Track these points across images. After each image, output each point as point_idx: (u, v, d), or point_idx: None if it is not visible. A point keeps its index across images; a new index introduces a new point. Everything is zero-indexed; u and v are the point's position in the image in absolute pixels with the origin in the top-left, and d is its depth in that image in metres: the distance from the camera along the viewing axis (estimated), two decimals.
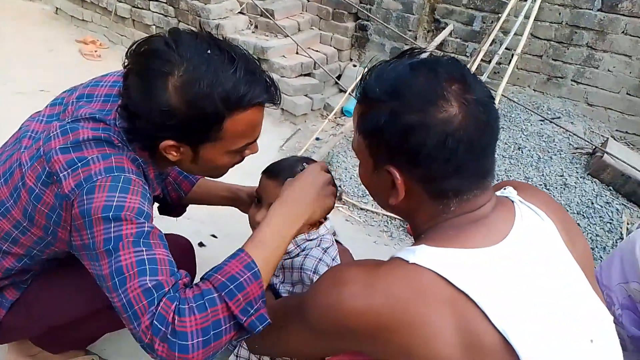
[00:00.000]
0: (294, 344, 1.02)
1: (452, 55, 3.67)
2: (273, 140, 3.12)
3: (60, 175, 0.98)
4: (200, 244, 2.09)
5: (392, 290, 0.82)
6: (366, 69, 0.93)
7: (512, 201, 0.93)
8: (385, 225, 2.46)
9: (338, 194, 1.21)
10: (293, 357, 1.32)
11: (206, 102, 0.96)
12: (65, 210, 0.99)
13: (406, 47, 3.81)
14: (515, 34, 2.95)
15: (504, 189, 0.97)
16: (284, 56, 3.48)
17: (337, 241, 1.45)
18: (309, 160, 1.35)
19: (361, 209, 2.55)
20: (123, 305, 0.89)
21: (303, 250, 1.32)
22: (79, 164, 0.98)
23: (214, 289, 0.90)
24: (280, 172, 1.30)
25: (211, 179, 1.52)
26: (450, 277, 0.80)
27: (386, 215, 2.50)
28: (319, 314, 0.90)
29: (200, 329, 0.86)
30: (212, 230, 2.15)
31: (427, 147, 0.81)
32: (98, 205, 0.94)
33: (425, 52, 0.96)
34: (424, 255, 0.84)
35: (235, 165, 1.18)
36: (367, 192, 2.72)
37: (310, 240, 1.33)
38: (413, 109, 0.82)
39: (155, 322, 0.85)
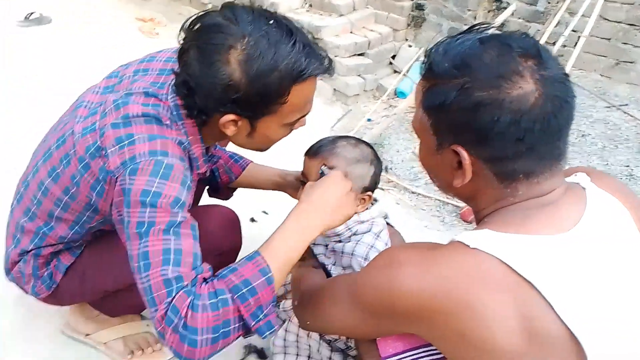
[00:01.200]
0: (345, 323, 1.01)
1: None
2: (324, 120, 3.10)
3: (108, 151, 1.02)
4: (252, 220, 2.12)
5: (449, 273, 0.81)
6: (430, 45, 0.89)
7: (584, 188, 0.88)
8: (437, 210, 2.42)
9: (383, 167, 1.20)
10: (344, 335, 1.33)
11: (269, 75, 0.97)
12: (108, 184, 1.04)
13: (464, 27, 3.67)
14: (582, 15, 2.79)
15: (575, 175, 0.92)
16: (337, 35, 3.43)
17: (388, 224, 1.44)
18: (349, 139, 1.33)
19: (412, 192, 2.51)
20: (144, 289, 0.94)
21: (354, 234, 1.31)
22: (126, 142, 1.01)
23: (227, 291, 0.92)
24: (319, 150, 1.29)
25: (260, 165, 1.56)
26: (514, 264, 0.77)
27: (438, 200, 2.45)
28: (372, 294, 0.90)
29: (211, 327, 0.89)
30: (264, 207, 2.17)
31: (500, 125, 0.78)
32: (138, 188, 0.97)
33: (492, 27, 0.91)
34: (487, 240, 0.81)
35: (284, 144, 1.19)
36: (419, 176, 2.69)
37: (362, 222, 1.31)
38: (485, 84, 0.78)
39: (170, 313, 0.89)
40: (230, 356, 1.54)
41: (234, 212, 1.51)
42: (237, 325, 0.93)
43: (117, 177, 1.00)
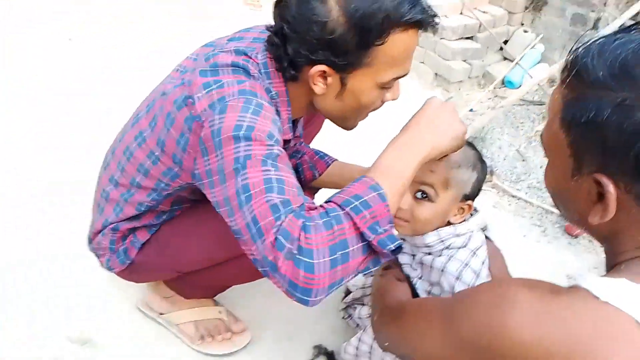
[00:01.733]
0: (430, 354, 0.88)
1: None
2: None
3: (195, 97, 0.98)
4: None
5: (573, 329, 0.66)
6: (578, 42, 0.72)
7: None
8: (538, 219, 2.18)
9: (488, 170, 1.04)
10: None
11: (369, 16, 0.92)
12: (193, 134, 0.98)
13: (592, 14, 3.29)
14: None
15: None
16: (445, 16, 3.20)
17: (487, 237, 1.27)
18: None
19: (513, 196, 2.29)
20: (247, 225, 0.85)
21: (447, 248, 1.16)
22: (214, 86, 0.98)
23: (338, 207, 0.84)
24: None
25: (345, 162, 1.45)
26: None
27: (541, 207, 2.21)
28: (471, 330, 0.76)
29: (327, 247, 0.79)
30: None
31: None
32: (229, 124, 0.92)
33: None
34: (624, 293, 0.65)
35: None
36: (522, 178, 2.44)
37: (457, 236, 1.16)
38: None
39: (281, 238, 0.80)
40: (299, 353, 1.48)
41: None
42: (355, 247, 0.82)
43: (203, 121, 0.95)
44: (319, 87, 1.02)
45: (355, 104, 1.06)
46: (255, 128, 0.91)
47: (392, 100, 1.10)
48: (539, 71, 2.95)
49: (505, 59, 3.27)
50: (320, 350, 1.48)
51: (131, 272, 1.29)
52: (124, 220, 1.22)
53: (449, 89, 3.09)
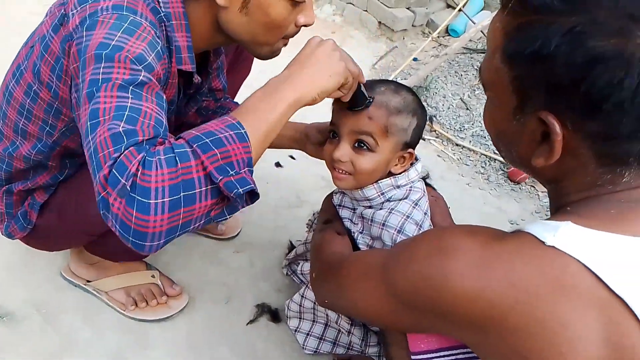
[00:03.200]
0: (372, 310, 0.85)
1: None
2: (366, 56, 2.84)
3: (70, 14, 0.87)
4: (277, 164, 1.95)
5: (518, 277, 0.63)
6: None
7: None
8: (482, 167, 2.18)
9: (427, 117, 1.00)
10: (368, 322, 1.17)
11: None
12: (66, 56, 0.88)
13: None
14: None
15: None
16: None
17: (428, 185, 1.23)
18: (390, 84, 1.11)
19: (457, 144, 2.27)
20: (90, 157, 0.73)
21: (388, 201, 1.11)
22: (90, 1, 0.86)
23: (185, 143, 0.73)
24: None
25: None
26: (603, 274, 0.59)
27: (485, 155, 2.21)
28: (411, 283, 0.73)
29: (167, 187, 0.68)
30: (290, 152, 1.99)
31: (623, 91, 0.56)
32: (95, 42, 0.80)
33: None
34: (570, 237, 0.62)
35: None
36: (465, 126, 2.44)
37: (398, 187, 1.11)
38: (607, 29, 0.56)
39: (114, 172, 0.68)
40: (241, 314, 1.42)
41: None
42: (203, 189, 0.71)
43: (74, 39, 0.84)
44: None
45: (264, 17, 0.95)
46: (124, 49, 0.79)
47: (307, 25, 1.00)
48: (482, 18, 2.92)
49: (449, 6, 3.21)
50: (263, 308, 1.43)
51: (38, 238, 1.19)
52: (15, 180, 1.11)
53: (393, 38, 3.02)
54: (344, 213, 1.20)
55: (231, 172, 0.73)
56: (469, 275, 0.66)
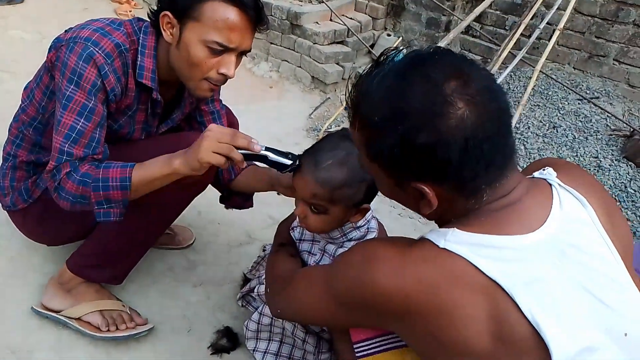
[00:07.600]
0: (318, 313, 1.03)
1: (491, 28, 3.56)
2: (302, 108, 3.10)
3: (61, 37, 1.22)
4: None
5: (423, 274, 0.81)
6: (349, 85, 0.88)
7: (550, 184, 0.88)
8: None
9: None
10: (314, 324, 1.33)
11: None
12: (55, 50, 1.21)
13: (443, 18, 3.70)
14: (558, 8, 2.83)
15: (544, 169, 0.92)
16: (317, 22, 3.43)
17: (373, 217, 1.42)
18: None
19: None
20: (53, 146, 1.18)
21: (349, 240, 1.31)
22: (75, 28, 1.21)
23: (91, 179, 1.16)
24: (304, 173, 1.18)
25: (257, 167, 1.54)
26: (481, 265, 0.77)
27: None
28: (346, 288, 0.91)
29: (72, 192, 1.17)
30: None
31: (452, 160, 0.77)
32: (70, 65, 1.16)
33: (401, 50, 0.89)
34: (455, 240, 0.81)
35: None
36: None
37: (357, 228, 1.30)
38: (423, 127, 0.76)
39: (55, 172, 1.18)
40: (202, 338, 1.55)
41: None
42: (88, 202, 1.18)
43: (60, 47, 1.18)
44: (167, 33, 1.21)
45: (186, 56, 1.20)
46: (84, 77, 1.16)
47: (227, 75, 1.24)
48: None
49: (373, 60, 3.56)
50: (222, 332, 1.55)
51: (41, 220, 1.42)
52: (22, 157, 1.38)
53: (326, 90, 3.31)
54: (304, 246, 1.39)
55: (105, 206, 1.19)
56: (390, 276, 0.82)
